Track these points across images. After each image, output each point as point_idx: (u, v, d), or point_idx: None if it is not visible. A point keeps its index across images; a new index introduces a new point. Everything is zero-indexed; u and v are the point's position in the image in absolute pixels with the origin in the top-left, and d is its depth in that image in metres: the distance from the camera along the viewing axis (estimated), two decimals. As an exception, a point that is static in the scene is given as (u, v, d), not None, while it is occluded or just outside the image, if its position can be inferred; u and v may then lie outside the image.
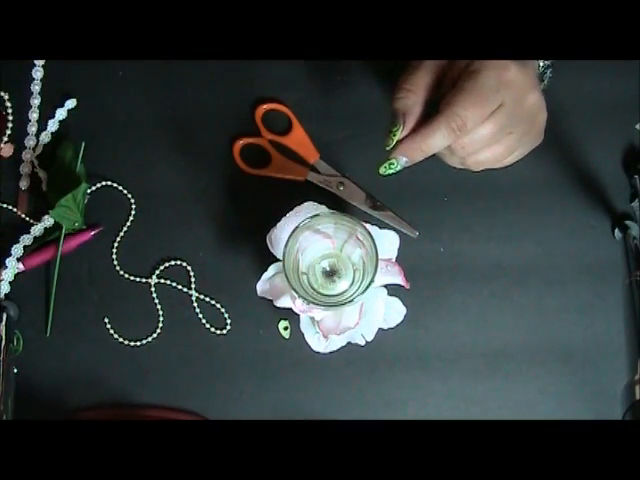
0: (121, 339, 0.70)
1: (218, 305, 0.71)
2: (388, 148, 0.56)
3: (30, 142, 0.72)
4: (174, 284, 0.71)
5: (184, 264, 0.71)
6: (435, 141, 0.54)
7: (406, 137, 0.55)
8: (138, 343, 0.70)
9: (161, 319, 0.70)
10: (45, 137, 0.72)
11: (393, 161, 0.56)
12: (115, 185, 0.72)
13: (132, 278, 0.71)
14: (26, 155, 0.72)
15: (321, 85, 0.73)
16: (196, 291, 0.71)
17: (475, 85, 0.54)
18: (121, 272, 0.71)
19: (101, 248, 0.71)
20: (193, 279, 0.71)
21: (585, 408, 0.69)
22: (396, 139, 0.55)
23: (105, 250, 0.71)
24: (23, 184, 0.72)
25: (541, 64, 0.61)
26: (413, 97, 0.56)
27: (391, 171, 0.56)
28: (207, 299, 0.71)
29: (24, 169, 0.72)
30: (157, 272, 0.71)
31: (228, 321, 0.70)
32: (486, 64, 0.54)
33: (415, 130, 0.55)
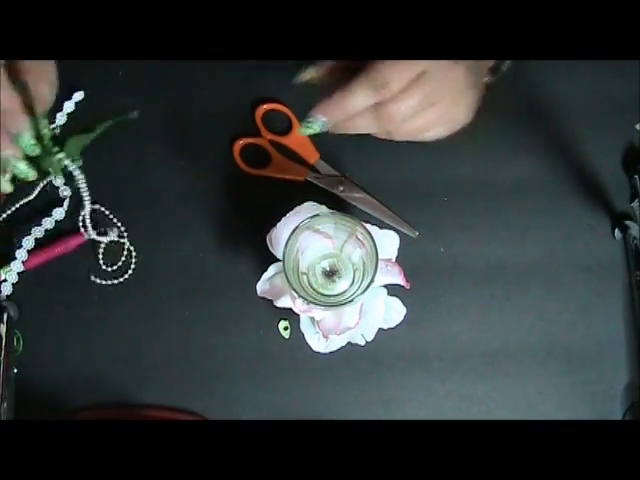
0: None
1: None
2: (296, 79, 0.54)
3: None
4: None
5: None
6: (357, 99, 0.53)
7: (327, 96, 0.54)
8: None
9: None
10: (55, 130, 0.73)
11: (311, 119, 0.54)
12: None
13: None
14: None
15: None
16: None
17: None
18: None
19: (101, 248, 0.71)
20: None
21: (585, 408, 0.69)
22: (307, 73, 0.54)
23: (105, 250, 0.71)
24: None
25: None
26: None
27: (310, 131, 0.55)
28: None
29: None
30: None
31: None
32: None
33: (336, 90, 0.54)
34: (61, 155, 0.58)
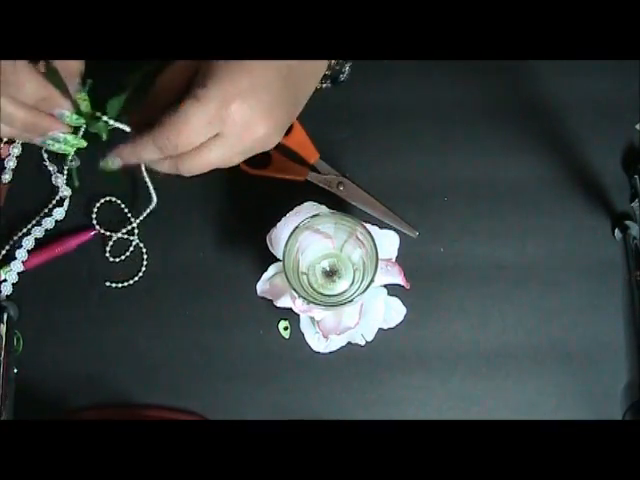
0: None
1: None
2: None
3: None
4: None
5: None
6: (145, 154, 0.56)
7: (121, 146, 0.57)
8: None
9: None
10: None
11: (108, 159, 0.58)
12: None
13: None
14: (13, 149, 0.72)
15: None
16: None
17: (193, 112, 0.54)
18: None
19: (101, 248, 0.71)
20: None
21: (585, 408, 0.69)
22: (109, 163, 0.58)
23: (105, 250, 0.71)
24: (5, 177, 0.72)
25: (335, 64, 0.62)
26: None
27: (110, 167, 0.58)
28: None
29: (9, 162, 0.72)
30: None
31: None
32: (209, 94, 0.54)
33: (134, 137, 0.57)
34: (105, 118, 0.61)
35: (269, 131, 0.57)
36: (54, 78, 0.58)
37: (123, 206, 0.72)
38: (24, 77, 0.57)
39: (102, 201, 0.72)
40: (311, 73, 0.61)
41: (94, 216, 0.72)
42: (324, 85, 0.62)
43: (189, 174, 0.58)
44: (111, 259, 0.71)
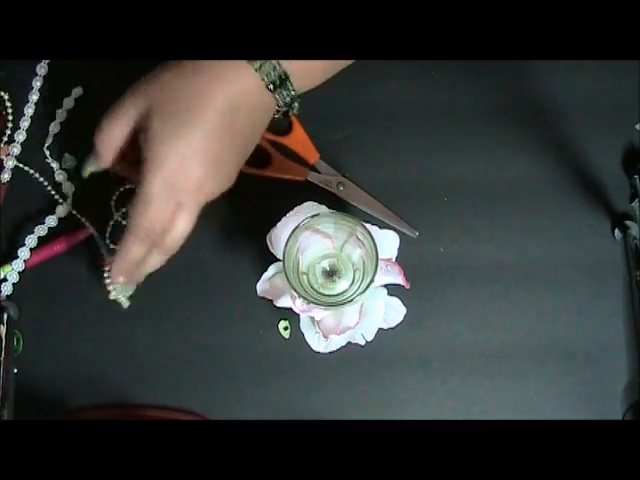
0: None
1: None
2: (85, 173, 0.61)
3: (20, 137, 0.73)
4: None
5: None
6: (134, 253, 0.59)
7: (113, 263, 0.60)
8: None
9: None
10: (55, 127, 0.73)
11: (116, 286, 0.61)
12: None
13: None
14: (12, 149, 0.72)
15: (321, 85, 0.73)
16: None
17: (147, 193, 0.57)
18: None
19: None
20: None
21: (585, 408, 0.69)
22: (88, 168, 0.61)
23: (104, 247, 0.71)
24: (4, 177, 0.72)
25: (284, 103, 0.62)
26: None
27: (124, 294, 0.62)
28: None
29: (8, 162, 0.72)
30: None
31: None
32: (151, 169, 0.56)
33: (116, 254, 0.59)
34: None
35: (220, 184, 0.61)
36: None
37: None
38: None
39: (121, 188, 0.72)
40: (260, 111, 0.61)
41: (114, 198, 0.72)
42: (275, 116, 0.64)
43: (173, 252, 0.60)
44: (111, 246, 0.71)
